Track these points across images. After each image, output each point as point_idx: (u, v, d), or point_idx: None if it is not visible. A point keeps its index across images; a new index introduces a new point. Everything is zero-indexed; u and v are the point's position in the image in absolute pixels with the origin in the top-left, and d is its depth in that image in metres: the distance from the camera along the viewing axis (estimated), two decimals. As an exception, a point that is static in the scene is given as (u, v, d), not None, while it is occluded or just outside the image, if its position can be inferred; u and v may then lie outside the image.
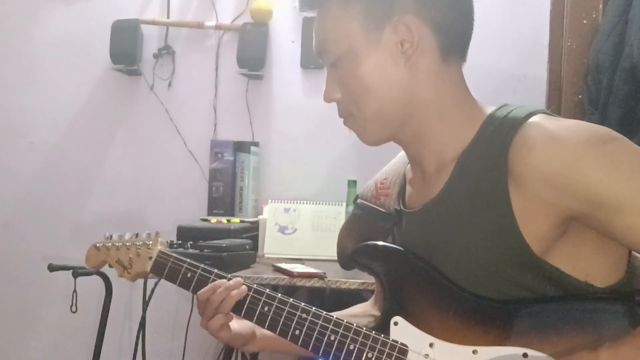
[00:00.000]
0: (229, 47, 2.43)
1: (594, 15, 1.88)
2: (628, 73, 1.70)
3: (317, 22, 0.95)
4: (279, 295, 0.99)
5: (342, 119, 0.99)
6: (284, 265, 1.83)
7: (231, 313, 1.03)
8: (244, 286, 1.02)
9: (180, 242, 1.74)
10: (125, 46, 2.38)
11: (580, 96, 1.90)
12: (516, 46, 2.30)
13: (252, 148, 2.36)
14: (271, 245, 2.14)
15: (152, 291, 1.98)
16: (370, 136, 0.96)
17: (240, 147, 2.36)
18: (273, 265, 1.89)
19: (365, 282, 1.69)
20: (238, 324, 1.07)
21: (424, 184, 0.97)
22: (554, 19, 2.10)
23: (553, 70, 2.09)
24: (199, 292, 1.04)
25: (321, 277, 1.71)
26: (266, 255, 2.12)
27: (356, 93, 0.92)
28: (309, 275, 1.73)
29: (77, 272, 1.73)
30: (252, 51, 2.33)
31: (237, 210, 2.34)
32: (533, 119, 0.85)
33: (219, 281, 1.04)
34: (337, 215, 2.16)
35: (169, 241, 1.68)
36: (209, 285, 1.04)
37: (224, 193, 2.35)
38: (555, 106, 2.03)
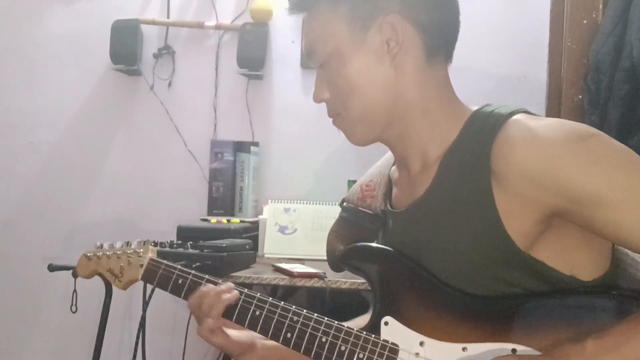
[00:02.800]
0: (229, 47, 2.43)
1: (594, 15, 1.88)
2: (628, 73, 1.70)
3: (306, 24, 0.97)
4: (270, 298, 0.99)
5: (332, 119, 1.00)
6: (284, 265, 1.83)
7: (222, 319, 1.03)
8: (235, 291, 1.01)
9: (180, 242, 1.73)
10: (125, 46, 2.38)
11: (580, 96, 1.91)
12: (516, 46, 2.30)
13: (252, 148, 2.36)
14: (271, 245, 2.14)
15: (152, 291, 1.97)
16: (358, 136, 0.97)
17: (240, 147, 2.36)
18: (273, 265, 1.89)
19: (365, 282, 1.69)
20: (237, 332, 1.06)
21: (409, 184, 0.98)
22: (554, 19, 2.10)
23: (553, 70, 2.09)
24: (189, 300, 1.04)
25: (321, 277, 1.71)
26: (266, 255, 2.12)
27: (343, 93, 0.94)
28: (309, 275, 1.73)
29: (77, 272, 1.73)
30: (252, 51, 2.33)
31: (237, 210, 2.34)
32: (514, 118, 0.87)
33: (209, 287, 1.03)
34: (336, 215, 2.15)
35: (169, 241, 1.68)
36: (198, 293, 1.03)
37: (224, 193, 2.35)
38: (555, 106, 2.03)
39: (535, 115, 0.90)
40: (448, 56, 0.96)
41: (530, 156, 0.81)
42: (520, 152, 0.82)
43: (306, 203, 2.20)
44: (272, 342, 1.07)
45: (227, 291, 1.01)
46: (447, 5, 0.95)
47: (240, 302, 1.00)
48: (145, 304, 2.00)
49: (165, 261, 1.11)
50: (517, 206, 0.83)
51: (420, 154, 0.95)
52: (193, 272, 1.08)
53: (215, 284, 1.04)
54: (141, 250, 1.15)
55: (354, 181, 2.11)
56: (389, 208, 1.01)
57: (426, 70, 0.93)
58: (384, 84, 0.92)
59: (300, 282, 1.72)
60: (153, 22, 2.43)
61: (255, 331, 0.99)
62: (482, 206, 0.84)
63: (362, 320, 1.14)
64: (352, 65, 0.92)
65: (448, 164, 0.91)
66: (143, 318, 2.04)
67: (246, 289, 1.02)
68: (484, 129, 0.88)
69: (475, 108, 0.94)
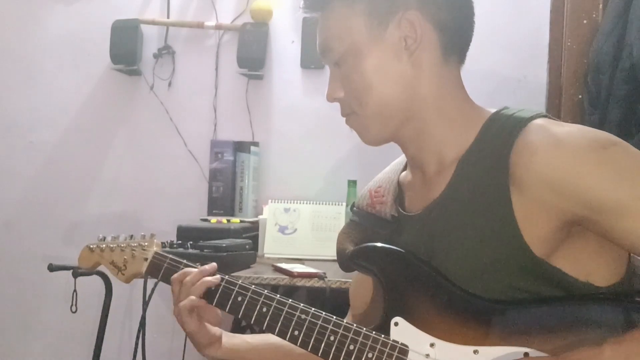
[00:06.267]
0: (229, 47, 2.43)
1: (594, 15, 1.88)
2: (628, 73, 1.70)
3: (322, 21, 0.96)
4: (278, 295, 0.99)
5: (343, 119, 0.99)
6: (284, 265, 1.83)
7: (222, 312, 1.04)
8: (218, 275, 1.04)
9: (180, 242, 1.73)
10: (125, 46, 2.38)
11: (580, 96, 1.90)
12: (516, 46, 2.30)
13: (252, 148, 2.36)
14: (271, 245, 2.14)
15: (152, 291, 1.97)
16: (372, 134, 0.96)
17: (240, 147, 2.36)
18: (273, 265, 1.89)
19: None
20: (210, 325, 1.07)
21: (424, 186, 0.97)
22: (554, 19, 2.10)
23: (553, 70, 2.09)
24: (172, 277, 1.06)
25: (321, 277, 1.71)
26: (266, 255, 2.12)
27: (359, 89, 0.93)
28: (309, 275, 1.73)
29: (77, 272, 1.73)
30: (252, 51, 2.33)
31: (237, 210, 2.34)
32: (534, 122, 0.86)
33: (191, 269, 1.06)
34: (337, 215, 2.16)
35: (169, 241, 1.68)
36: (181, 271, 1.06)
37: (224, 193, 2.35)
38: (555, 106, 2.03)
39: (555, 120, 0.89)
40: (462, 57, 0.96)
41: (552, 162, 0.80)
42: (541, 157, 0.81)
43: (306, 203, 2.20)
44: (238, 342, 1.10)
45: (210, 271, 1.04)
46: (464, 4, 0.95)
47: (247, 299, 1.00)
48: (145, 304, 1.99)
49: (170, 255, 1.11)
50: (535, 212, 0.82)
51: (436, 155, 0.94)
52: (198, 265, 1.07)
53: (222, 279, 1.04)
54: (145, 243, 1.14)
55: (354, 181, 2.13)
56: (402, 212, 1.00)
57: (442, 69, 0.93)
58: (401, 80, 0.92)
59: (300, 282, 1.72)
60: (153, 22, 2.43)
61: (262, 328, 0.98)
62: (499, 210, 0.84)
63: None
64: (369, 61, 0.92)
65: (465, 166, 0.90)
66: (143, 318, 2.04)
67: (253, 286, 1.02)
68: (503, 132, 0.87)
69: (492, 110, 0.93)
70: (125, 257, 1.15)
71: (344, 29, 0.92)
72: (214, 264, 1.06)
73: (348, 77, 0.94)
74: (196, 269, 1.05)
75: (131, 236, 1.18)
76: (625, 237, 0.79)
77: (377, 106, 0.93)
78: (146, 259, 1.12)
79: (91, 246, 1.20)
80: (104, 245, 1.18)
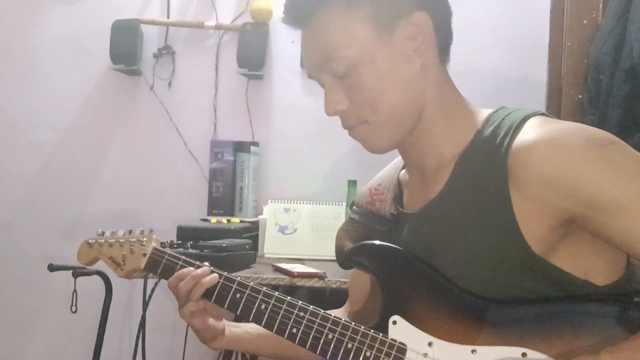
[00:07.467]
0: (229, 47, 2.43)
1: (594, 15, 1.88)
2: (628, 73, 1.70)
3: (312, 34, 0.93)
4: (276, 293, 0.99)
5: (347, 130, 0.97)
6: (284, 265, 1.83)
7: (220, 309, 1.06)
8: (214, 274, 1.04)
9: (180, 242, 1.74)
10: (125, 46, 2.38)
11: (580, 96, 1.90)
12: (516, 46, 2.30)
13: (252, 148, 2.36)
14: (271, 245, 2.14)
15: (152, 291, 1.98)
16: (384, 139, 0.94)
17: (240, 147, 2.36)
18: (273, 265, 1.89)
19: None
20: (213, 320, 1.10)
21: (422, 184, 0.97)
22: (554, 19, 2.10)
23: (553, 70, 2.09)
24: (168, 284, 1.07)
25: (321, 277, 1.71)
26: (266, 255, 2.12)
27: (372, 97, 0.90)
28: (309, 275, 1.73)
29: (77, 272, 1.73)
30: (252, 51, 2.33)
31: (237, 210, 2.34)
32: (532, 120, 0.86)
33: (186, 269, 1.07)
34: (337, 215, 2.16)
35: (169, 241, 1.68)
36: (175, 274, 1.07)
37: (224, 193, 2.35)
38: (555, 106, 2.03)
39: (553, 118, 0.89)
40: (448, 56, 0.97)
41: (549, 160, 0.81)
42: (539, 155, 0.81)
43: (306, 203, 2.20)
44: (240, 332, 1.14)
45: (204, 274, 1.04)
46: (447, 4, 0.96)
47: (245, 296, 1.01)
48: (145, 304, 2.00)
49: (169, 251, 1.11)
50: (534, 210, 0.82)
51: (436, 154, 0.94)
52: (197, 263, 1.08)
53: (220, 276, 1.05)
54: (144, 239, 1.14)
55: (354, 181, 2.13)
56: (401, 210, 1.00)
57: (440, 69, 0.94)
58: (412, 82, 0.91)
59: (300, 282, 1.72)
60: (153, 22, 2.43)
61: (260, 325, 0.99)
62: (499, 208, 0.84)
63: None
64: (381, 66, 0.89)
65: (463, 165, 0.90)
66: (143, 318, 2.04)
67: (252, 283, 1.03)
68: (501, 130, 0.87)
69: (489, 110, 0.94)
70: (124, 252, 1.15)
71: (348, 38, 0.89)
72: (206, 269, 1.06)
73: (359, 86, 0.91)
74: (192, 269, 1.06)
75: (130, 231, 1.18)
76: (619, 235, 0.80)
77: (392, 110, 0.91)
78: (145, 255, 1.12)
79: (90, 241, 1.19)
80: (102, 240, 1.18)
